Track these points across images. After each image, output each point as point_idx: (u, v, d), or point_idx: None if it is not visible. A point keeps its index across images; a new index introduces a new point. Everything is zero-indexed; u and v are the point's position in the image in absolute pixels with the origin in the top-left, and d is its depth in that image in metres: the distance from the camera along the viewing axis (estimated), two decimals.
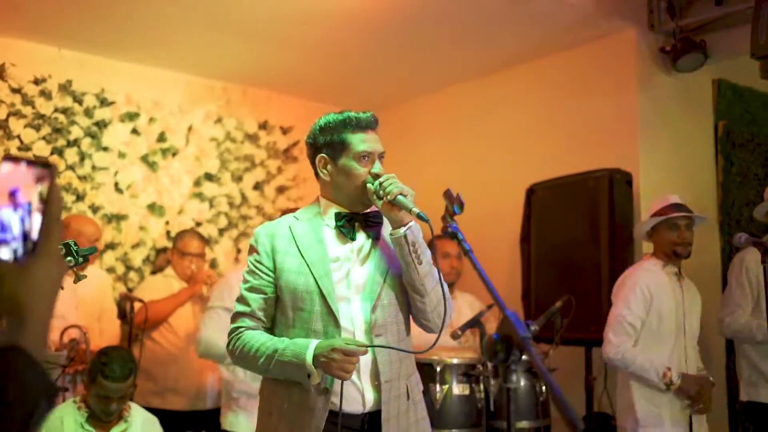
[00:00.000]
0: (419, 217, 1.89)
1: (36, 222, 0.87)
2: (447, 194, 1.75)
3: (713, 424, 4.03)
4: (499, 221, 4.49)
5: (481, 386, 3.30)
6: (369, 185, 2.01)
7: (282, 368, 1.93)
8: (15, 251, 0.86)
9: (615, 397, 3.45)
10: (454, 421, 3.25)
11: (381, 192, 1.97)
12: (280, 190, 5.23)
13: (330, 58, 4.57)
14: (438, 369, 3.25)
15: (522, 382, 3.45)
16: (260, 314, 2.05)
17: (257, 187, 5.12)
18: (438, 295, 2.04)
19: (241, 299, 2.08)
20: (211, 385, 4.05)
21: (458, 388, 3.26)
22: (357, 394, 1.99)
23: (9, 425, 0.79)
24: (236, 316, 2.07)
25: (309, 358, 1.88)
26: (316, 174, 2.13)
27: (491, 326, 3.29)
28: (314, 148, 2.12)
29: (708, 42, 4.08)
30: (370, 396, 2.00)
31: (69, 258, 1.88)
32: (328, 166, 2.08)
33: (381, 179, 2.00)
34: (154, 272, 4.57)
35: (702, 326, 3.53)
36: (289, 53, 4.48)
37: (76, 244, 1.93)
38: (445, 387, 3.24)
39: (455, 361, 3.30)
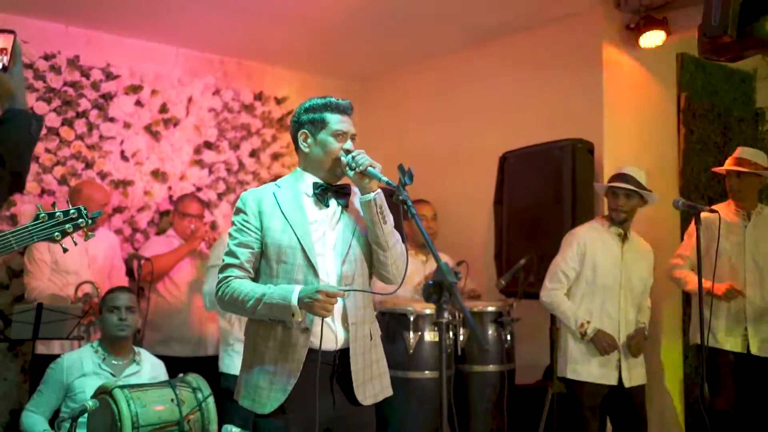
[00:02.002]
0: (387, 184, 2.25)
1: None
2: (400, 168, 2.12)
3: (670, 364, 4.47)
4: (475, 186, 4.87)
5: (451, 334, 3.70)
6: (342, 158, 2.38)
7: (269, 309, 2.29)
8: None
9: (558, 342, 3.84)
10: (425, 364, 3.67)
11: (353, 164, 2.34)
12: (275, 156, 5.59)
13: (320, 32, 4.89)
14: (412, 318, 3.66)
15: (489, 331, 3.86)
16: (247, 266, 2.40)
17: (253, 154, 5.48)
18: (398, 252, 2.42)
19: (229, 253, 2.42)
20: (211, 334, 4.45)
21: (429, 335, 3.68)
22: (331, 334, 2.36)
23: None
24: (225, 267, 2.42)
25: (294, 299, 2.24)
26: (297, 148, 2.50)
27: (460, 281, 3.68)
28: (298, 124, 2.49)
29: (670, 19, 4.39)
30: (341, 336, 2.38)
31: (80, 220, 2.17)
32: (309, 140, 2.45)
33: (353, 153, 2.37)
34: (158, 233, 4.96)
35: (655, 279, 3.91)
36: (282, 28, 4.80)
37: (86, 209, 2.26)
38: (418, 334, 3.65)
39: (427, 311, 3.70)
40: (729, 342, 3.84)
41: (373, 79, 5.83)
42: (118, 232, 4.82)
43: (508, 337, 3.87)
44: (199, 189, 5.16)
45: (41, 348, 4.00)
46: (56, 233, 2.10)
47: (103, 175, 4.82)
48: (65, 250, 2.16)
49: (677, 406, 4.57)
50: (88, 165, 4.78)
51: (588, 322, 3.54)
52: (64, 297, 3.99)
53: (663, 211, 4.28)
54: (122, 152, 4.92)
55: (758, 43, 3.39)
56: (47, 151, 4.65)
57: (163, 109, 5.08)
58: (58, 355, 3.71)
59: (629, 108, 4.53)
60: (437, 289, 1.81)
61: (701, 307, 3.40)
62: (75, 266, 4.18)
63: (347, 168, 2.37)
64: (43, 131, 4.63)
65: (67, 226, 2.11)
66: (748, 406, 3.88)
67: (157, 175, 5.04)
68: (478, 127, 5.08)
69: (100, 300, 3.70)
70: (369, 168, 2.31)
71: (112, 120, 4.88)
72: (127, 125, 4.94)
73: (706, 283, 3.50)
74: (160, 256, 4.34)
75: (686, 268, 3.90)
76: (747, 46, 3.41)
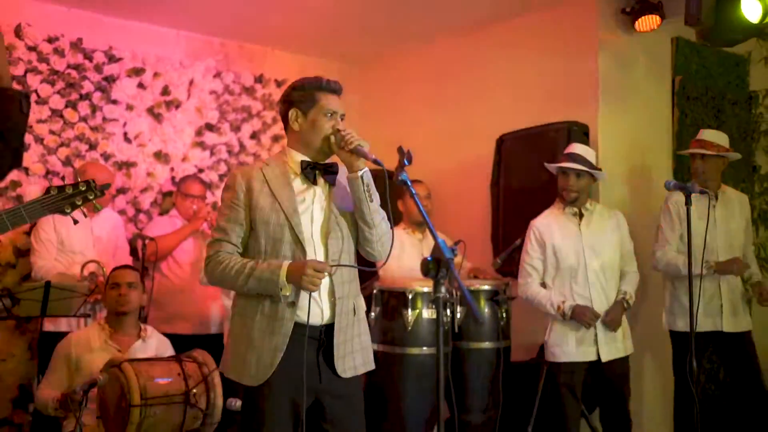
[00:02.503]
0: (375, 162, 2.34)
1: None
2: (399, 150, 2.20)
3: (656, 348, 4.57)
4: (473, 167, 4.96)
5: (448, 312, 3.81)
6: (332, 136, 2.46)
7: (258, 283, 2.37)
8: None
9: None
10: (423, 340, 3.77)
11: (342, 142, 2.42)
12: (275, 138, 5.67)
13: (320, 15, 4.95)
14: (410, 296, 3.76)
15: (485, 309, 3.96)
16: (236, 241, 2.48)
17: (254, 136, 5.56)
18: (383, 229, 2.50)
19: (219, 229, 2.50)
20: (214, 313, 4.55)
21: (427, 313, 3.78)
22: (317, 309, 2.44)
23: None
24: (214, 242, 2.50)
25: (283, 274, 2.33)
26: (286, 126, 2.57)
27: (457, 259, 3.78)
28: (288, 103, 2.55)
29: (665, 3, 4.45)
30: (326, 311, 2.45)
31: (89, 192, 2.23)
32: (299, 119, 2.52)
33: (342, 132, 2.45)
34: (161, 214, 5.04)
35: (643, 262, 4.00)
36: (282, 11, 4.86)
37: (94, 182, 2.31)
38: (416, 312, 3.76)
39: (425, 289, 3.80)
40: (707, 322, 3.93)
41: (372, 62, 5.89)
42: (122, 212, 4.90)
43: (504, 315, 3.97)
44: (200, 170, 5.24)
45: (48, 325, 4.09)
46: (66, 206, 2.17)
47: (106, 157, 4.89)
48: (75, 222, 2.24)
49: (667, 385, 4.69)
50: (92, 146, 4.85)
51: (563, 302, 3.63)
52: (70, 276, 4.08)
53: (655, 192, 4.38)
54: (125, 134, 4.99)
55: (738, 29, 3.48)
56: (52, 132, 4.72)
57: (165, 91, 5.15)
58: (65, 333, 3.82)
59: (624, 91, 4.61)
60: (435, 265, 1.91)
61: (691, 287, 3.49)
62: (80, 246, 4.27)
63: (336, 146, 2.45)
64: (48, 113, 4.71)
65: (76, 198, 2.17)
66: (746, 383, 4.00)
67: (160, 156, 5.11)
68: (475, 110, 5.16)
69: (106, 279, 3.80)
70: (357, 146, 2.39)
71: (114, 102, 4.95)
72: (129, 107, 5.01)
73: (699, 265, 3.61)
74: (163, 236, 4.43)
75: (674, 252, 3.97)
76: (729, 33, 3.50)
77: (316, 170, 2.52)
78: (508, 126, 4.66)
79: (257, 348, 2.43)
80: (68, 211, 2.18)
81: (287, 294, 2.37)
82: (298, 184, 2.52)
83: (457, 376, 3.89)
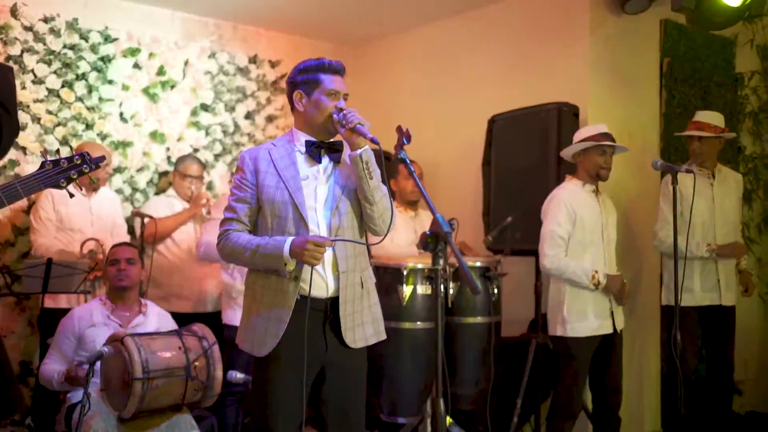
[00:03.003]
0: (373, 141, 2.44)
1: None
2: (398, 129, 2.29)
3: (646, 322, 4.71)
4: (465, 148, 5.04)
5: (441, 287, 3.89)
6: (334, 115, 2.55)
7: (264, 259, 2.48)
8: None
9: (546, 299, 4.01)
10: (417, 315, 3.88)
11: (344, 121, 2.51)
12: (269, 119, 5.73)
13: None
14: (405, 272, 3.86)
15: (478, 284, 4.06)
16: (245, 220, 2.59)
17: (248, 116, 5.62)
18: (384, 206, 2.59)
19: (229, 208, 2.61)
20: (211, 292, 4.63)
21: (422, 289, 3.88)
22: (322, 282, 2.54)
23: None
24: (225, 221, 2.61)
25: (286, 249, 2.43)
26: (292, 108, 2.66)
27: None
28: (293, 85, 2.65)
29: None
30: (331, 284, 2.56)
31: (84, 166, 2.25)
32: (303, 100, 2.62)
33: (345, 111, 2.54)
34: (157, 193, 5.11)
35: (635, 237, 4.13)
36: None
37: (89, 154, 2.32)
38: (411, 287, 3.86)
39: (419, 266, 3.91)
40: (706, 298, 4.08)
41: (366, 44, 5.95)
42: (118, 191, 4.97)
43: (495, 291, 4.08)
44: (196, 150, 5.30)
45: (49, 302, 4.17)
46: (62, 180, 2.19)
47: (103, 136, 4.95)
48: (72, 196, 2.27)
49: (655, 358, 4.83)
50: (89, 126, 4.90)
51: (596, 272, 3.67)
52: (71, 253, 4.16)
53: (643, 172, 4.48)
54: (121, 114, 5.04)
55: (720, 13, 3.57)
56: (48, 112, 4.76)
57: (161, 71, 5.19)
58: (65, 309, 3.90)
59: (613, 73, 4.70)
60: (434, 238, 2.01)
61: (676, 265, 3.63)
62: (79, 224, 4.34)
63: (338, 125, 2.54)
64: (44, 93, 4.75)
65: (71, 172, 2.19)
66: (718, 354, 4.15)
67: (156, 136, 5.17)
68: (467, 91, 5.24)
69: (105, 256, 3.88)
70: (358, 125, 2.48)
71: (111, 82, 4.99)
72: (125, 87, 5.05)
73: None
74: (162, 219, 4.50)
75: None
76: (712, 16, 3.59)
77: (321, 149, 2.60)
78: (499, 107, 4.73)
79: (264, 320, 2.54)
80: (64, 184, 2.19)
81: (291, 268, 2.47)
82: (303, 162, 2.61)
83: (450, 350, 3.99)
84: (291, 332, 2.51)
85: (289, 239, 2.46)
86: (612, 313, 3.75)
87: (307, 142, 2.62)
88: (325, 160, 2.63)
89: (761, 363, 5.20)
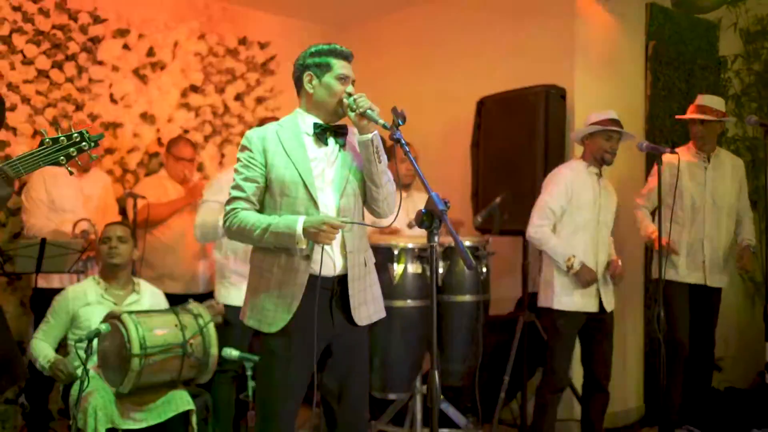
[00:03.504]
0: (384, 126, 2.49)
1: None
2: (393, 110, 2.35)
3: (630, 299, 4.82)
4: (454, 130, 5.11)
5: (430, 269, 3.97)
6: (345, 99, 2.60)
7: (276, 237, 2.53)
8: None
9: (538, 275, 4.11)
10: (408, 293, 3.96)
11: (354, 105, 2.56)
12: (259, 100, 5.76)
13: None
14: (396, 252, 3.93)
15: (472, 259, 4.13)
16: (253, 199, 2.62)
17: (238, 97, 5.64)
18: (389, 190, 2.67)
19: (236, 187, 2.63)
20: (203, 272, 4.67)
21: (412, 267, 3.96)
22: (330, 261, 2.61)
23: None
24: (232, 199, 2.63)
25: (299, 229, 2.48)
26: (299, 90, 2.70)
27: None
28: (303, 67, 2.68)
29: None
30: (339, 263, 2.63)
31: (83, 143, 2.23)
32: (314, 82, 2.65)
33: (355, 96, 2.59)
34: (147, 174, 5.14)
35: (620, 216, 4.21)
36: None
37: (87, 131, 2.30)
38: (402, 266, 3.93)
39: (410, 245, 3.98)
40: (691, 276, 4.18)
41: (354, 25, 5.98)
42: (109, 172, 4.99)
43: (484, 270, 4.16)
44: (186, 131, 5.32)
45: (42, 282, 4.20)
46: (61, 157, 2.19)
47: (93, 117, 4.96)
48: (71, 173, 2.28)
49: (638, 335, 4.95)
50: (79, 107, 4.91)
51: (573, 257, 3.76)
52: (63, 233, 4.19)
53: (629, 154, 4.57)
54: (111, 95, 5.06)
55: None
56: (38, 93, 4.77)
57: (150, 53, 5.20)
58: (57, 289, 3.93)
59: (600, 56, 4.77)
60: (429, 216, 2.07)
61: (660, 244, 3.75)
62: (71, 205, 4.36)
63: (348, 109, 2.59)
64: (34, 73, 4.75)
65: (71, 149, 2.20)
66: (701, 332, 4.27)
67: (146, 117, 5.19)
68: (456, 73, 5.29)
69: (98, 236, 3.91)
70: (368, 111, 2.54)
71: (100, 63, 5.00)
72: (115, 68, 5.06)
73: (656, 233, 3.88)
74: (156, 205, 4.52)
75: (647, 209, 4.20)
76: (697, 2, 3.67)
77: (328, 131, 2.66)
78: (487, 89, 4.80)
79: (274, 297, 2.59)
80: (63, 162, 2.20)
81: (303, 247, 2.52)
82: (310, 144, 2.66)
83: (439, 328, 4.08)
84: (301, 310, 2.57)
85: (302, 219, 2.51)
86: (599, 292, 3.83)
87: (314, 124, 2.66)
88: (331, 142, 2.68)
89: (740, 341, 5.34)
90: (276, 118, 2.92)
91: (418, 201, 4.53)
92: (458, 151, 5.04)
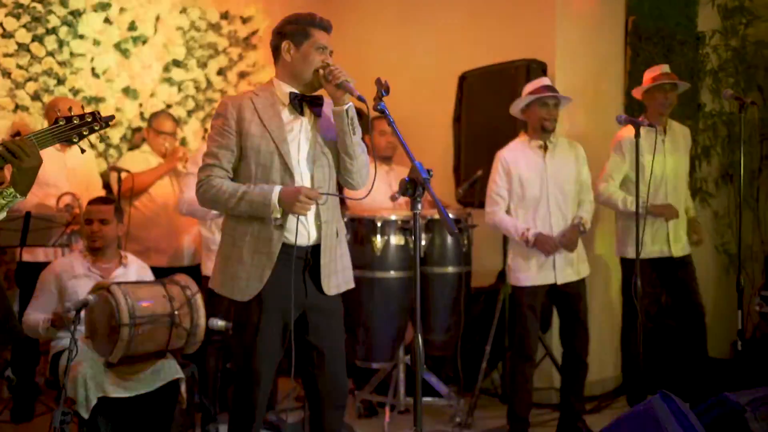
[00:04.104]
0: (359, 98, 2.52)
1: None
2: (377, 81, 2.39)
3: (608, 272, 4.92)
4: (436, 104, 5.16)
5: (413, 238, 4.04)
6: (321, 70, 2.63)
7: (250, 206, 2.56)
8: None
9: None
10: (391, 265, 4.03)
11: (330, 77, 2.59)
12: (242, 75, 5.76)
13: None
14: (379, 224, 3.99)
15: (448, 238, 4.21)
16: (227, 166, 2.65)
17: (221, 72, 5.64)
18: (363, 161, 2.72)
19: (210, 154, 2.65)
20: (188, 246, 4.70)
21: (395, 239, 4.03)
22: (304, 231, 2.64)
23: None
24: (206, 167, 2.66)
25: (275, 198, 2.53)
26: (276, 58, 2.72)
27: None
28: (281, 35, 2.70)
29: None
30: (313, 233, 2.67)
31: (95, 123, 2.29)
32: (291, 50, 2.68)
33: (332, 67, 2.62)
34: (130, 149, 5.14)
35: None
36: None
37: (99, 113, 2.42)
38: (385, 238, 4.00)
39: (393, 217, 4.04)
40: (655, 251, 4.26)
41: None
42: (92, 147, 4.98)
43: (466, 242, 4.24)
44: (169, 106, 5.32)
45: (27, 256, 4.22)
46: (74, 136, 2.29)
47: (75, 92, 4.94)
48: (83, 151, 2.37)
49: (615, 307, 5.06)
50: (60, 81, 4.89)
51: (528, 229, 3.83)
52: (47, 207, 4.20)
53: (608, 127, 4.64)
54: (93, 69, 5.03)
55: None
56: (19, 67, 4.74)
57: (132, 26, 5.17)
58: (42, 263, 3.95)
59: (581, 30, 4.83)
60: (412, 184, 2.13)
61: (637, 218, 3.78)
62: (54, 179, 4.36)
63: (324, 80, 2.62)
64: (14, 47, 4.73)
65: (83, 129, 2.28)
66: (685, 302, 4.36)
67: (128, 92, 5.17)
68: (438, 48, 5.33)
69: (82, 210, 3.93)
70: (344, 82, 2.57)
71: (82, 37, 4.97)
72: (96, 42, 5.03)
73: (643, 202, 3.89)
74: (139, 174, 4.54)
75: (616, 188, 4.24)
76: None
77: (304, 101, 2.68)
78: (469, 63, 4.85)
79: (247, 266, 2.63)
80: (76, 140, 2.28)
81: (278, 217, 2.56)
82: (286, 114, 2.68)
83: (422, 298, 4.12)
84: (274, 278, 2.61)
85: (278, 188, 2.54)
86: (554, 264, 3.89)
87: (290, 93, 2.68)
88: (307, 112, 2.70)
89: (716, 312, 5.46)
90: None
91: (399, 173, 4.59)
92: (440, 125, 5.09)
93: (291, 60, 2.68)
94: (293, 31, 2.67)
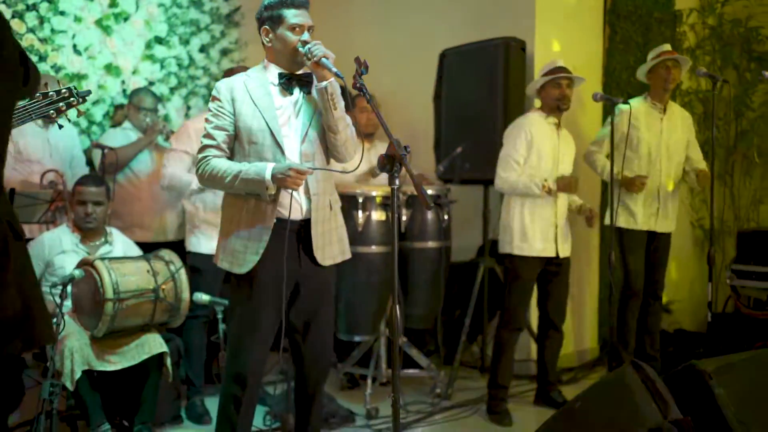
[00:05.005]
0: (336, 75, 2.60)
1: None
2: (356, 60, 2.45)
3: (587, 245, 5.03)
4: (417, 81, 5.21)
5: (392, 212, 4.11)
6: (300, 49, 2.69)
7: (245, 183, 2.65)
8: None
9: (495, 224, 4.27)
10: (372, 239, 4.10)
11: (309, 54, 2.65)
12: (224, 52, 5.77)
13: None
14: (360, 200, 4.06)
15: (429, 214, 4.28)
16: (224, 146, 2.74)
17: (203, 49, 5.65)
18: (347, 135, 2.79)
19: (208, 135, 2.75)
20: (171, 221, 4.74)
21: (376, 215, 4.10)
22: (296, 205, 2.74)
23: None
24: (204, 148, 2.75)
25: (268, 175, 2.61)
26: (262, 43, 2.80)
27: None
28: (260, 21, 2.79)
29: None
30: (305, 206, 2.76)
31: (72, 98, 2.37)
32: (270, 35, 2.76)
33: (310, 45, 2.67)
34: (113, 126, 5.15)
35: (578, 164, 4.37)
36: None
37: (75, 87, 2.46)
38: (366, 213, 4.07)
39: (374, 193, 4.11)
40: (647, 223, 4.36)
41: None
42: (75, 124, 4.98)
43: (446, 217, 4.31)
44: (151, 83, 5.33)
45: None
46: (51, 111, 2.32)
47: (57, 69, 4.94)
48: (61, 127, 2.40)
49: (594, 279, 5.18)
50: (42, 58, 4.89)
51: (546, 180, 3.91)
52: (31, 184, 4.22)
53: (586, 104, 4.73)
54: (74, 46, 5.03)
55: None
56: None
57: (113, 3, 5.17)
58: (27, 239, 3.98)
59: (560, 9, 4.89)
60: (390, 160, 2.20)
61: (612, 191, 3.92)
62: (37, 155, 4.38)
63: (304, 58, 2.68)
64: None
65: (60, 104, 2.32)
66: (651, 275, 4.47)
67: (111, 69, 5.18)
68: (419, 26, 5.38)
69: (72, 189, 3.95)
70: (323, 59, 2.63)
71: (62, 13, 4.95)
72: (77, 19, 5.02)
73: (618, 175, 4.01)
74: (121, 148, 4.57)
75: (602, 155, 4.36)
76: None
77: (293, 81, 2.76)
78: (449, 41, 4.89)
79: (244, 240, 2.72)
80: (53, 115, 2.32)
81: (272, 192, 2.65)
82: (276, 93, 2.77)
83: (403, 273, 4.25)
84: (269, 252, 2.70)
85: (270, 165, 2.62)
86: (556, 238, 4.00)
87: (280, 74, 2.76)
88: (296, 91, 2.78)
89: (690, 285, 5.60)
90: (246, 68, 3.00)
91: (380, 149, 4.65)
92: (420, 103, 5.15)
93: (271, 44, 2.77)
94: (268, 15, 2.74)
